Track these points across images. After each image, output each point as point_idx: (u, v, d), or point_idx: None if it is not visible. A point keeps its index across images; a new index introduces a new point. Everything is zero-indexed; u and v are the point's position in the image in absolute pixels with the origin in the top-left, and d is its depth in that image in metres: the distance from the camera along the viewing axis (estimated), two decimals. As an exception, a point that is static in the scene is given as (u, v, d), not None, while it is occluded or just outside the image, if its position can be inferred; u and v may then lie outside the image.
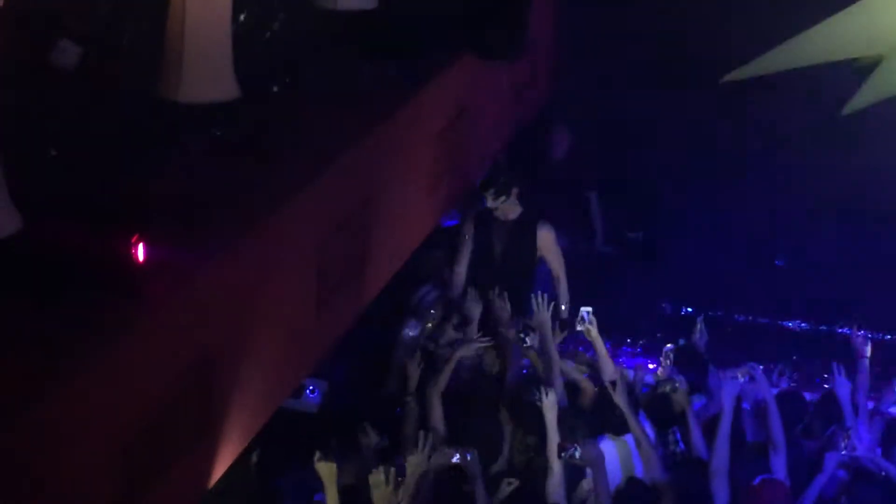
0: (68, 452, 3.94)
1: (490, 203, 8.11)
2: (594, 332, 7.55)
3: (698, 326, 8.08)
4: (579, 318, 7.59)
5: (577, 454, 6.51)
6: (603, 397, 7.22)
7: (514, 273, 8.11)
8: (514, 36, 8.20)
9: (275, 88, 6.12)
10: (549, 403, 6.79)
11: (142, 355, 4.32)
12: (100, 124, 4.68)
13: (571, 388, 7.51)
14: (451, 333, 7.52)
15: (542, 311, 7.54)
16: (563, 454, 6.53)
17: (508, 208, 8.18)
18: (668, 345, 7.93)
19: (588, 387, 7.53)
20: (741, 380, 7.12)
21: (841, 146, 9.99)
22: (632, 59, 10.31)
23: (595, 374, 7.63)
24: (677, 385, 7.24)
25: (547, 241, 8.29)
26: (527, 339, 7.49)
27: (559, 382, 7.31)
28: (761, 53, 7.57)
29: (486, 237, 8.27)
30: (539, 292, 7.65)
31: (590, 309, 7.64)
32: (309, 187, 5.61)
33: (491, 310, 7.79)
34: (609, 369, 7.57)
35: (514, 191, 8.14)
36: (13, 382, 3.77)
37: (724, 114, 10.14)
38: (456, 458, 6.45)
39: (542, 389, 6.83)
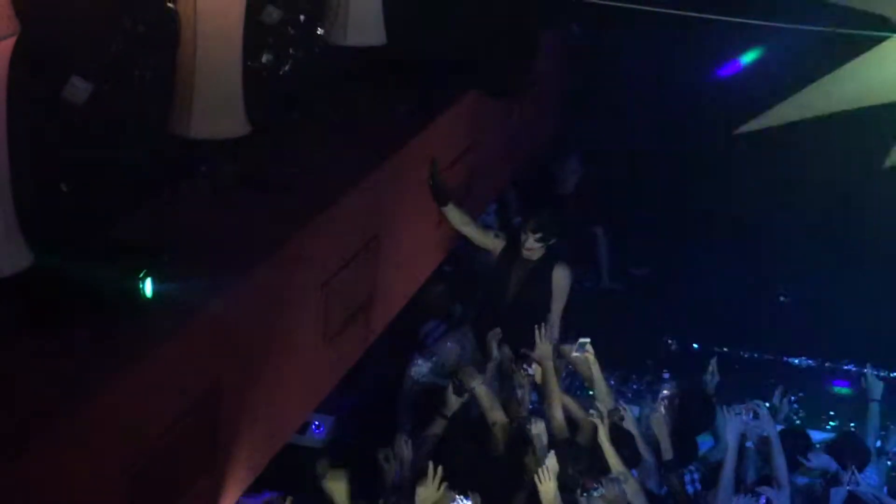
0: (75, 484, 3.94)
1: (529, 243, 8.06)
2: (592, 357, 7.57)
3: (710, 367, 8.05)
4: (577, 346, 7.59)
5: (600, 493, 6.52)
6: (611, 431, 7.22)
7: (525, 312, 8.06)
8: (521, 74, 8.25)
9: (285, 123, 6.13)
10: (538, 430, 6.80)
11: (150, 388, 4.32)
12: (111, 160, 4.70)
13: (572, 424, 7.49)
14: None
15: (545, 344, 7.53)
16: (585, 493, 6.54)
17: (536, 252, 8.18)
18: (665, 392, 7.89)
19: (587, 424, 7.51)
20: (745, 417, 7.12)
21: (846, 186, 10.02)
22: (641, 94, 10.35)
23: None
24: (622, 413, 7.20)
25: (560, 282, 8.23)
26: (529, 369, 7.50)
27: (560, 414, 7.30)
28: (775, 98, 7.55)
29: (505, 270, 8.24)
30: (542, 324, 7.63)
31: (588, 340, 7.65)
32: (317, 222, 5.62)
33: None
34: (604, 393, 7.57)
35: (553, 241, 8.12)
36: (23, 413, 3.78)
37: (734, 151, 10.15)
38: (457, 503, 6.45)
39: (532, 419, 6.86)
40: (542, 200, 10.26)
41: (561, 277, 8.20)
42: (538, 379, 7.54)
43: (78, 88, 4.29)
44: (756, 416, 7.19)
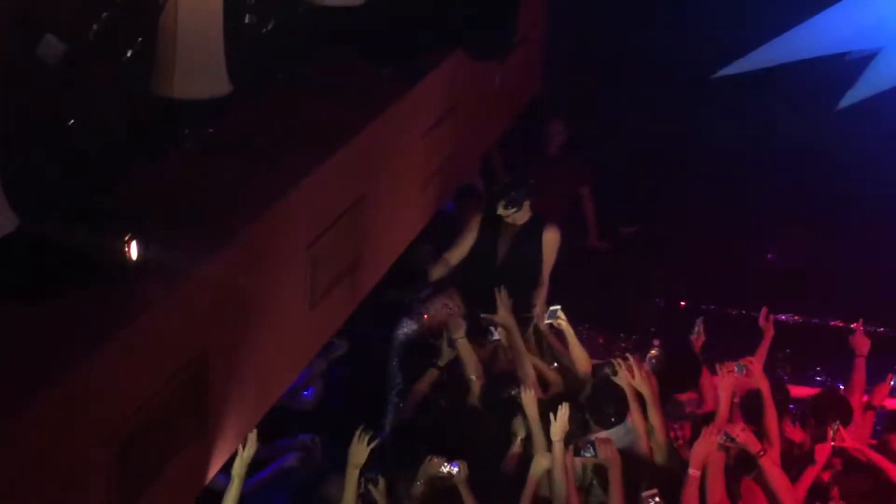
0: (63, 452, 3.94)
1: (500, 211, 8.10)
2: (565, 323, 7.59)
3: (696, 328, 8.07)
4: (549, 312, 7.61)
5: (594, 454, 6.54)
6: (596, 390, 7.26)
7: (517, 276, 8.05)
8: (504, 35, 8.22)
9: (267, 85, 6.11)
10: (529, 398, 6.84)
11: (136, 354, 4.31)
12: (93, 122, 4.67)
13: (542, 383, 7.54)
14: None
15: (505, 307, 7.56)
16: (579, 453, 6.57)
17: (518, 216, 8.18)
18: (652, 352, 7.92)
19: (557, 381, 7.57)
20: (737, 373, 7.15)
21: (833, 140, 10.02)
22: (625, 54, 10.33)
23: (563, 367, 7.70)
24: (616, 367, 7.24)
25: (550, 244, 8.26)
26: (495, 332, 7.53)
27: (532, 373, 7.33)
28: (755, 47, 7.59)
29: (491, 238, 8.24)
30: (500, 287, 7.66)
31: (559, 307, 7.68)
32: (301, 185, 5.60)
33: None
34: (582, 359, 7.60)
35: (527, 203, 8.13)
36: (6, 382, 3.77)
37: (718, 108, 10.16)
38: (445, 468, 6.49)
39: (521, 388, 6.90)
40: (527, 161, 10.27)
41: (551, 240, 8.22)
42: (504, 341, 7.57)
43: (51, 46, 4.25)
44: (749, 372, 7.23)
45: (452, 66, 7.81)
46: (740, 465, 6.93)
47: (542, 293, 8.11)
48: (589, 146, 10.45)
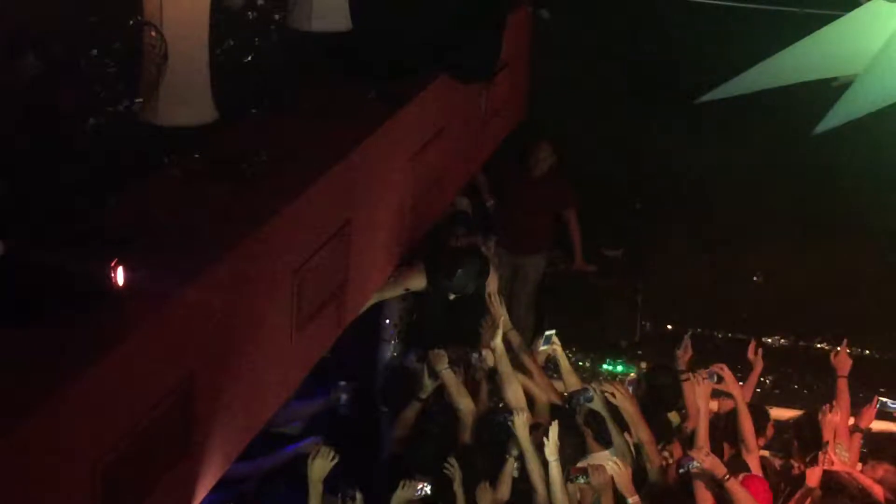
0: (48, 477, 3.92)
1: (450, 297, 7.90)
2: (559, 350, 7.61)
3: (683, 343, 8.10)
4: (543, 339, 7.61)
5: (586, 480, 6.57)
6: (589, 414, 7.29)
7: (468, 320, 7.95)
8: (489, 58, 8.24)
9: (253, 110, 6.12)
10: (520, 422, 6.85)
11: (122, 379, 4.30)
12: (78, 148, 4.67)
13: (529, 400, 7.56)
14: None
15: (491, 329, 7.56)
16: (571, 479, 6.60)
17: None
18: (630, 375, 7.95)
19: (543, 403, 7.58)
20: (710, 380, 7.19)
21: (817, 165, 10.07)
22: (610, 77, 10.37)
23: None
24: (591, 394, 7.25)
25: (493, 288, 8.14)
26: (479, 357, 7.52)
27: (519, 396, 7.33)
28: (737, 72, 7.64)
29: (440, 295, 8.04)
30: (486, 317, 7.63)
31: (554, 331, 7.67)
32: (287, 209, 5.60)
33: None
34: (573, 384, 7.62)
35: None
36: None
37: (703, 130, 10.19)
38: (420, 490, 6.50)
39: (513, 411, 6.91)
40: (512, 184, 10.30)
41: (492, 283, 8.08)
42: (490, 362, 7.57)
43: (29, 63, 4.26)
44: (720, 379, 7.27)
45: (439, 89, 7.83)
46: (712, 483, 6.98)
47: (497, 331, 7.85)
48: (574, 169, 10.47)
